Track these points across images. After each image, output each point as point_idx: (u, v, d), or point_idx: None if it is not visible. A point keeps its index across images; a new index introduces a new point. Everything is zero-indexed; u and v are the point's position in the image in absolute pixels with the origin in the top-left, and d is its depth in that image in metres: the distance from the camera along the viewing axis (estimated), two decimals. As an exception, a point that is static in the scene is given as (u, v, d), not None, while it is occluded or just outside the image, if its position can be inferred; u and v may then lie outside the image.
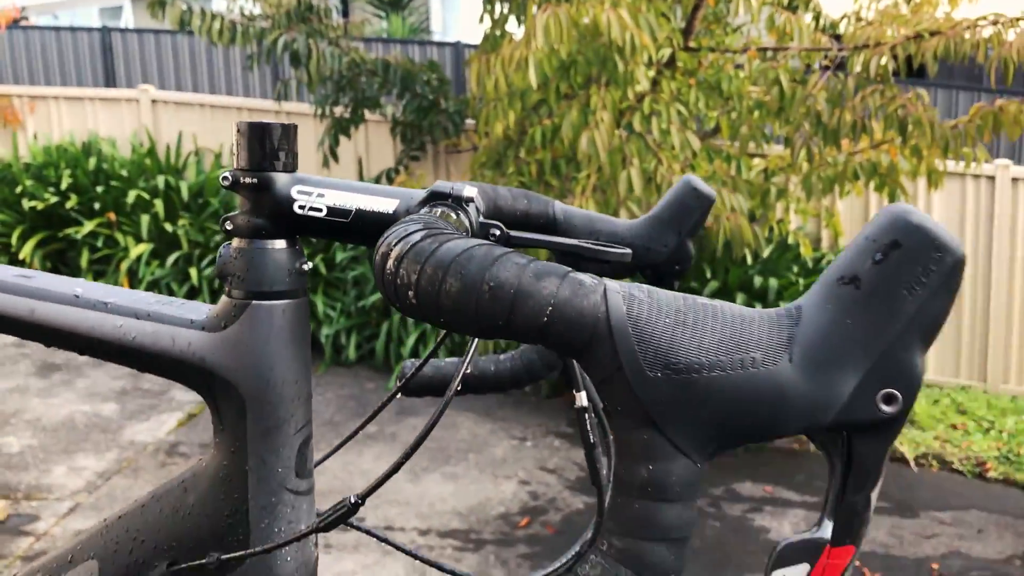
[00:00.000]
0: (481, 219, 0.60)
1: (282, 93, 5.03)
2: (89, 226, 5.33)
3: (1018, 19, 3.45)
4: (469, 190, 0.59)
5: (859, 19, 4.53)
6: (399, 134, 5.29)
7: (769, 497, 3.73)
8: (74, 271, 5.40)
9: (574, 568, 0.40)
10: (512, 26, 4.29)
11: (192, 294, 5.10)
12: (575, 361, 0.78)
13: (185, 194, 5.54)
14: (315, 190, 0.60)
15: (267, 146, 0.59)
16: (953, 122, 3.67)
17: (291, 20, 4.60)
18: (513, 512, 3.46)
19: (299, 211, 0.59)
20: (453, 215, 0.56)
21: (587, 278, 0.38)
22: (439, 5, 12.29)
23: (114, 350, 0.61)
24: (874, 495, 0.40)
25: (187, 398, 4.42)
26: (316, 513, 0.64)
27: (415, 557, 0.71)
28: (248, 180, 0.59)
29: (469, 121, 5.10)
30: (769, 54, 3.93)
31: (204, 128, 6.03)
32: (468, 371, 0.83)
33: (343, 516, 0.54)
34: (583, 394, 0.66)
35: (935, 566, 3.25)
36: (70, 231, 5.34)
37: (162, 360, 0.60)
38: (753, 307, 0.41)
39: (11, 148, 6.16)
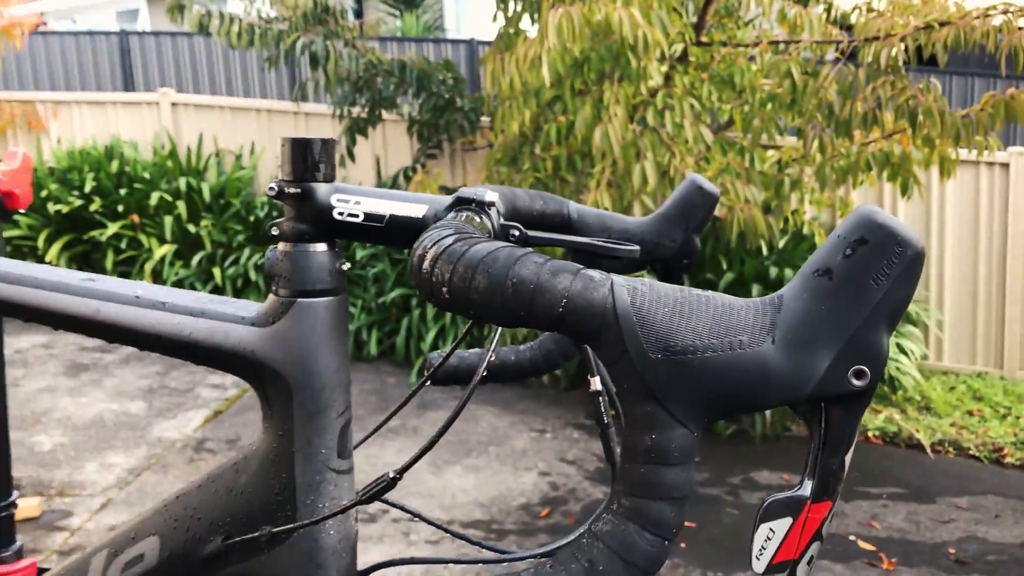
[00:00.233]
0: (501, 221, 0.66)
1: (300, 94, 5.10)
2: (113, 228, 5.43)
3: (1028, 8, 3.47)
4: (491, 195, 0.65)
5: (870, 10, 4.55)
6: (415, 133, 5.35)
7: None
8: (99, 272, 5.50)
9: (590, 527, 0.46)
10: (525, 24, 4.34)
11: (215, 293, 5.18)
12: (588, 348, 0.84)
13: (207, 195, 5.63)
14: (352, 198, 0.66)
15: (309, 160, 0.66)
16: (965, 111, 3.69)
17: (308, 22, 4.67)
18: (534, 503, 3.52)
19: (338, 217, 0.66)
20: (477, 218, 0.62)
21: (596, 274, 0.44)
22: (452, 3, 12.34)
23: (172, 345, 0.68)
24: (847, 458, 0.45)
25: (212, 396, 4.51)
26: (355, 491, 0.70)
27: (446, 531, 0.77)
28: (292, 190, 0.65)
29: (484, 119, 5.16)
30: (781, 47, 3.97)
31: (224, 130, 6.12)
32: (491, 360, 0.89)
33: (382, 490, 0.61)
34: (597, 379, 0.72)
35: (952, 551, 3.28)
36: (95, 233, 5.44)
37: (216, 354, 0.67)
38: None
39: (35, 153, 6.27)
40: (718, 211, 3.72)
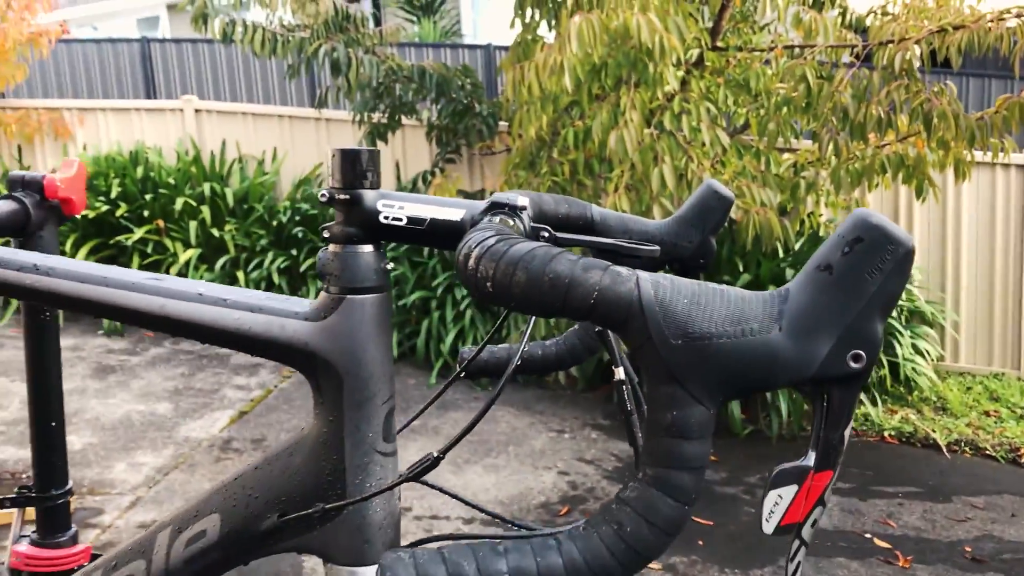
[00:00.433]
0: (531, 224, 0.72)
1: (322, 100, 5.19)
2: (139, 233, 5.53)
3: (1042, 11, 3.50)
4: (522, 200, 0.72)
5: (885, 14, 4.59)
6: (434, 138, 5.43)
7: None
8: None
9: (618, 495, 0.52)
10: (542, 31, 4.40)
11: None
12: (613, 337, 0.90)
13: (230, 200, 5.73)
14: (396, 203, 0.72)
15: (357, 168, 0.72)
16: (979, 113, 3.73)
17: (330, 30, 4.75)
18: (553, 501, 3.58)
19: (384, 221, 0.72)
20: (511, 221, 0.69)
21: (623, 270, 0.50)
22: (469, 8, 12.42)
23: (232, 339, 0.74)
24: (847, 432, 0.51)
25: (237, 397, 4.59)
26: (399, 472, 0.76)
27: (481, 510, 0.83)
28: (342, 196, 0.72)
29: (502, 123, 5.22)
30: (796, 51, 4.01)
31: (247, 136, 6.21)
32: (520, 356, 0.95)
33: (426, 469, 0.67)
34: (621, 369, 0.78)
35: (968, 549, 3.32)
36: (121, 238, 5.54)
37: (273, 346, 0.73)
38: None
39: (62, 159, 6.38)
40: (734, 214, 3.76)
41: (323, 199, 0.72)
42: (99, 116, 6.50)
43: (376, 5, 13.25)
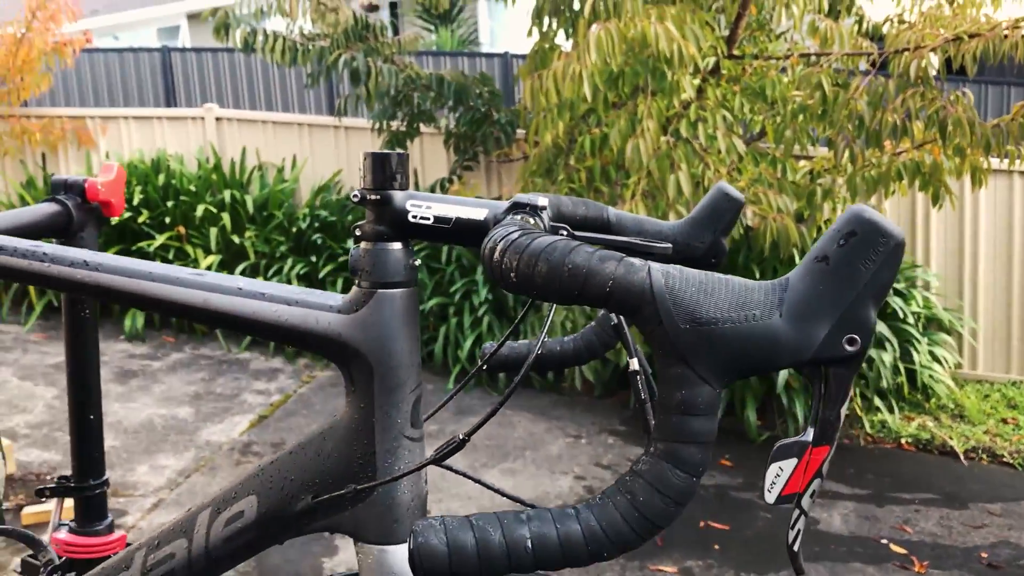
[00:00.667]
0: (551, 223, 0.77)
1: (341, 109, 5.26)
2: (160, 239, 5.61)
3: (1057, 19, 3.52)
4: (542, 200, 0.76)
5: (901, 22, 4.61)
6: (452, 145, 5.48)
7: (819, 489, 3.83)
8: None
9: (632, 468, 0.56)
10: (560, 39, 4.45)
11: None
12: (625, 324, 0.95)
13: (250, 207, 5.80)
14: (424, 203, 0.77)
15: (387, 171, 0.77)
16: (995, 121, 3.74)
17: (349, 39, 4.82)
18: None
19: (412, 220, 0.77)
20: (531, 220, 0.73)
21: (636, 261, 0.55)
22: (486, 17, 12.51)
23: (271, 330, 0.79)
24: (843, 410, 0.55)
25: (257, 401, 4.65)
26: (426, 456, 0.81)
27: (502, 493, 0.87)
28: (373, 197, 0.76)
29: (520, 131, 5.27)
30: (812, 59, 4.04)
31: (267, 143, 6.29)
32: (539, 351, 1.00)
33: (452, 451, 0.71)
34: (635, 360, 0.82)
35: (984, 555, 3.33)
36: (143, 244, 5.62)
37: (308, 337, 0.78)
38: None
39: (85, 167, 6.49)
40: (751, 220, 3.80)
41: (355, 199, 0.77)
42: (121, 124, 6.60)
43: (394, 14, 13.37)
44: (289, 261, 5.49)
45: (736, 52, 4.11)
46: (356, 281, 0.78)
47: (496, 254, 0.58)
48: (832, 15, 4.46)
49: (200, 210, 5.70)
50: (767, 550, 3.28)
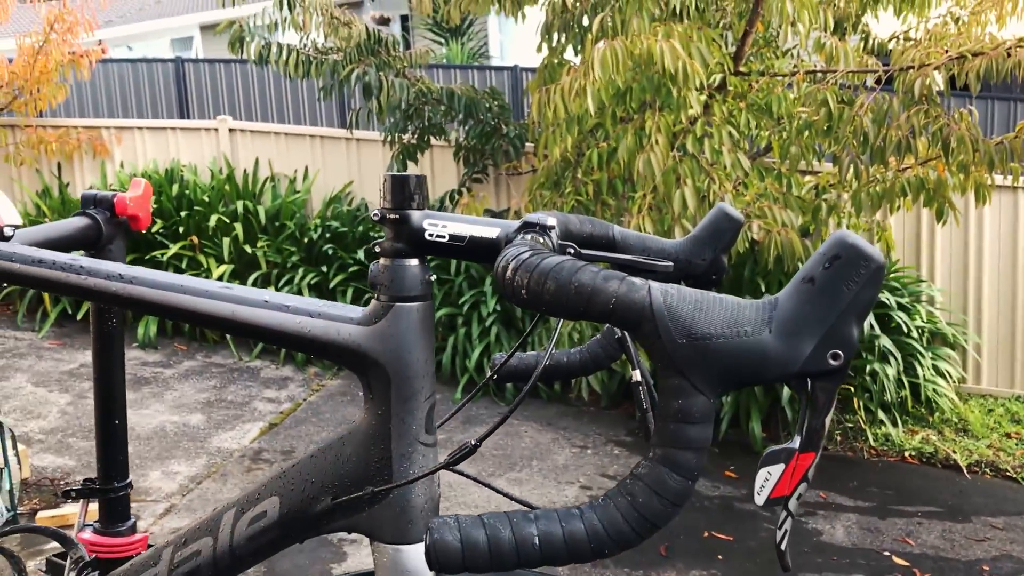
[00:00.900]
0: (559, 241, 0.81)
1: (353, 122, 5.33)
2: (174, 248, 5.68)
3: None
4: (551, 220, 0.81)
5: (907, 39, 4.66)
6: (462, 158, 5.54)
7: (823, 502, 3.86)
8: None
9: (632, 472, 0.61)
10: (568, 54, 4.51)
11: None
12: (629, 338, 1.00)
13: (263, 218, 5.87)
14: (440, 222, 0.82)
15: (406, 192, 0.82)
16: (998, 138, 3.79)
17: (362, 53, 4.89)
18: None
19: (428, 238, 0.81)
20: (541, 239, 0.78)
21: (637, 280, 0.59)
22: (496, 30, 12.60)
23: (294, 341, 0.84)
24: (828, 419, 0.60)
25: (267, 409, 4.71)
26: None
27: (511, 498, 0.92)
28: (392, 216, 0.81)
29: (528, 144, 5.33)
30: (818, 76, 4.09)
31: (279, 155, 6.37)
32: (547, 362, 1.05)
33: (464, 456, 0.76)
34: (637, 372, 0.87)
35: (986, 568, 3.35)
36: (156, 253, 5.69)
37: (330, 347, 0.83)
38: None
39: (100, 177, 6.57)
40: (756, 235, 3.84)
41: (375, 218, 0.82)
42: (136, 135, 6.68)
43: (405, 27, 13.47)
44: (300, 271, 5.55)
45: (743, 68, 4.16)
46: (375, 295, 0.82)
47: (508, 272, 0.63)
48: (838, 32, 4.51)
49: (213, 220, 5.77)
50: (770, 560, 3.32)
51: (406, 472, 0.82)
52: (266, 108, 9.00)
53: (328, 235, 5.71)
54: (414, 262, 0.82)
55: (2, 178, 6.69)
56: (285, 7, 4.83)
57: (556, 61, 4.45)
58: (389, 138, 5.35)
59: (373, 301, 0.83)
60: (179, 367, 5.29)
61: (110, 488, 1.35)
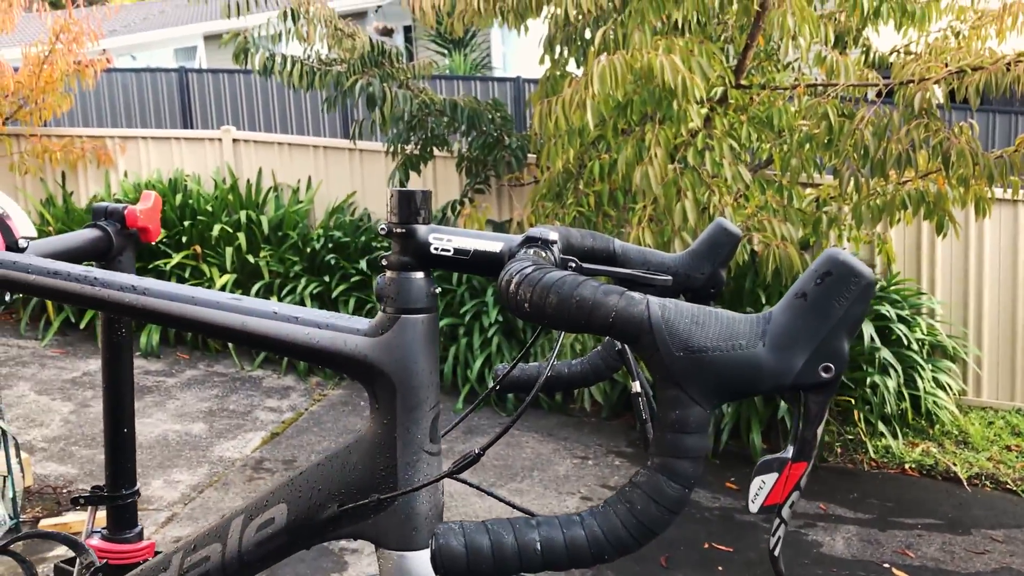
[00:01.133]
0: (560, 255, 0.84)
1: (356, 132, 5.36)
2: (177, 258, 5.71)
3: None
4: (553, 235, 0.83)
5: (908, 53, 4.70)
6: (464, 169, 5.57)
7: (823, 513, 3.87)
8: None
9: (631, 480, 0.63)
10: (571, 67, 4.54)
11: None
12: (629, 350, 1.02)
13: (265, 228, 5.90)
14: (445, 236, 0.84)
15: (412, 206, 0.84)
16: (998, 152, 3.81)
17: (365, 65, 4.92)
18: (575, 512, 3.65)
19: (434, 252, 0.84)
20: (543, 253, 0.80)
21: (636, 295, 0.62)
22: (499, 42, 12.66)
23: (303, 351, 0.86)
24: (820, 430, 0.62)
25: (269, 418, 4.72)
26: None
27: (513, 507, 0.94)
28: (399, 230, 0.84)
29: (531, 156, 5.36)
30: (819, 89, 4.12)
31: (282, 165, 6.40)
32: (548, 373, 1.07)
33: (468, 464, 0.78)
34: (637, 383, 0.89)
35: (985, 580, 3.36)
36: (159, 263, 5.72)
37: (337, 358, 0.85)
38: None
39: (104, 186, 6.60)
40: (756, 247, 3.86)
41: (382, 232, 0.84)
42: (140, 144, 6.72)
43: (408, 38, 13.53)
44: (303, 281, 5.58)
45: (744, 82, 4.19)
46: (381, 307, 0.85)
47: (512, 286, 0.65)
48: (839, 46, 4.54)
49: (216, 230, 5.80)
50: (770, 572, 3.32)
51: (411, 480, 0.84)
52: (269, 118, 9.05)
53: (330, 245, 5.74)
54: (420, 275, 0.84)
55: (6, 187, 6.72)
56: (289, 18, 4.86)
57: (558, 73, 4.49)
58: (392, 149, 5.38)
59: (379, 313, 0.85)
60: (181, 376, 5.31)
61: (118, 495, 1.37)
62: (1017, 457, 4.52)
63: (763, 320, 0.61)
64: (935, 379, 4.74)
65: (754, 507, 0.62)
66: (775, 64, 4.69)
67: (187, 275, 5.71)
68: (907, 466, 4.38)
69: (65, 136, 6.69)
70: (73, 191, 6.66)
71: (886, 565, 3.45)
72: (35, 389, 4.99)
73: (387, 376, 0.83)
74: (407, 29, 13.71)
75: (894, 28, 4.51)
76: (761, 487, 0.62)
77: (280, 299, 5.50)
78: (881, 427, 4.47)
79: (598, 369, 1.08)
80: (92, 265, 1.24)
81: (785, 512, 0.63)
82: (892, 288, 5.01)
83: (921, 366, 4.66)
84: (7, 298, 1.04)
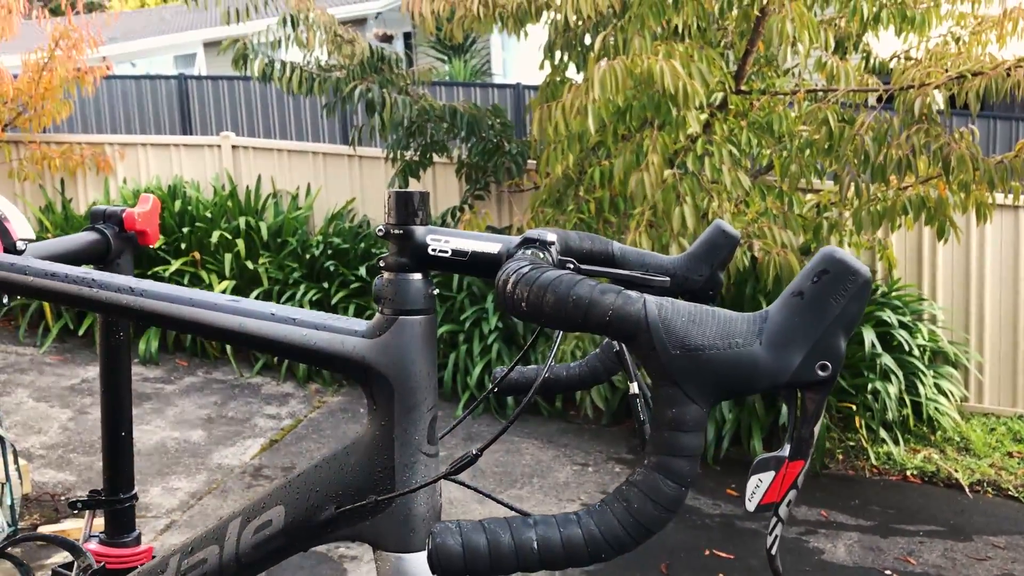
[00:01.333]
0: (558, 256, 0.83)
1: (356, 139, 5.36)
2: (176, 264, 5.71)
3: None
4: (551, 236, 0.83)
5: (908, 59, 4.70)
6: (464, 175, 5.57)
7: (824, 520, 3.86)
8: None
9: (628, 479, 0.63)
10: (571, 72, 4.55)
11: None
12: (626, 349, 1.01)
13: (265, 234, 5.90)
14: (443, 237, 0.84)
15: (410, 208, 0.83)
16: (998, 157, 3.81)
17: (365, 71, 4.93)
18: (572, 512, 3.64)
19: (432, 253, 0.83)
20: (541, 254, 0.80)
21: (633, 293, 0.61)
22: (499, 48, 12.68)
23: (300, 353, 0.86)
24: (816, 428, 0.61)
25: (268, 425, 4.71)
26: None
27: (511, 508, 0.93)
28: (396, 231, 0.83)
29: (530, 162, 5.36)
30: (819, 95, 4.13)
31: (281, 172, 6.40)
32: (547, 375, 1.07)
33: (465, 465, 0.78)
34: (635, 384, 0.89)
35: (986, 586, 3.35)
36: (159, 269, 5.72)
37: (335, 359, 0.84)
38: None
39: (103, 192, 6.60)
40: (756, 254, 3.86)
41: (380, 233, 0.84)
42: (139, 151, 6.72)
43: (408, 45, 13.55)
44: (302, 287, 5.57)
45: (744, 87, 4.19)
46: (379, 308, 0.84)
47: (509, 286, 0.65)
48: (839, 52, 4.55)
49: (215, 236, 5.80)
50: (771, 579, 3.31)
51: (409, 481, 0.83)
52: (269, 125, 9.05)
53: (330, 252, 5.73)
54: (417, 276, 0.84)
55: (5, 194, 6.72)
56: (289, 25, 4.87)
57: (558, 79, 4.49)
58: (391, 155, 5.38)
59: (377, 314, 0.85)
60: (180, 383, 5.30)
61: (116, 499, 1.37)
62: (1019, 463, 4.51)
63: (760, 318, 0.60)
64: (936, 385, 4.73)
65: (751, 505, 0.62)
66: (775, 70, 4.70)
67: (186, 281, 5.70)
68: (909, 473, 4.37)
69: (64, 143, 6.69)
70: (72, 198, 6.67)
71: (888, 572, 3.44)
72: (33, 396, 4.99)
73: (384, 377, 0.83)
74: (407, 35, 13.73)
75: (894, 34, 4.52)
76: (758, 486, 0.61)
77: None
78: (882, 433, 4.46)
79: (596, 371, 1.08)
80: (91, 268, 1.23)
81: (782, 511, 0.63)
82: (893, 294, 5.01)
83: (922, 372, 4.65)
84: (5, 301, 1.04)
